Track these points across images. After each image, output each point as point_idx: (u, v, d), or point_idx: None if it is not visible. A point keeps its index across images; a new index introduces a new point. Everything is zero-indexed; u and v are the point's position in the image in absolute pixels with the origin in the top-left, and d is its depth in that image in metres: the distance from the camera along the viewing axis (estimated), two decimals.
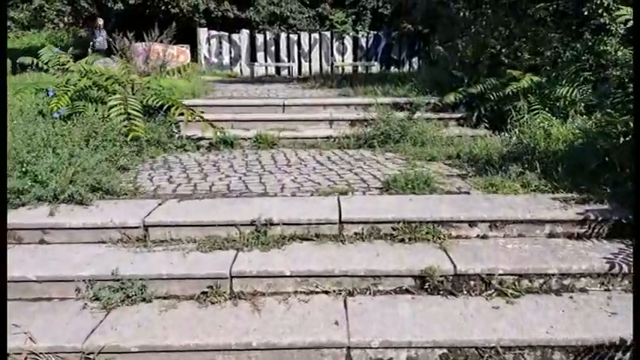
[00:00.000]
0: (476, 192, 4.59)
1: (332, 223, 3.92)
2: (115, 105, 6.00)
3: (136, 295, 3.33)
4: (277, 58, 19.10)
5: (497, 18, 7.36)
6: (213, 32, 18.60)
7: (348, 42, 19.16)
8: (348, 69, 19.11)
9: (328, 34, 19.04)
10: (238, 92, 9.93)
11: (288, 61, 18.98)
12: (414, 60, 19.06)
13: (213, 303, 3.34)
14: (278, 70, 19.18)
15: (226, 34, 18.67)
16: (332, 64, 19.01)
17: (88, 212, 4.11)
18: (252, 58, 18.90)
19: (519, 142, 5.84)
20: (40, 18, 15.86)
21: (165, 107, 6.63)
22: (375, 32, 19.18)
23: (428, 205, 4.17)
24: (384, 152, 6.34)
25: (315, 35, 19.04)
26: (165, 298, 3.41)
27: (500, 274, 3.47)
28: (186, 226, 3.92)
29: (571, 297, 3.41)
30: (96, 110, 6.40)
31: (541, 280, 3.50)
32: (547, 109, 6.51)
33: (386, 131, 6.59)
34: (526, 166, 4.92)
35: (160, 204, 4.30)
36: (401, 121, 6.77)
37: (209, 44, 18.55)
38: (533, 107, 6.50)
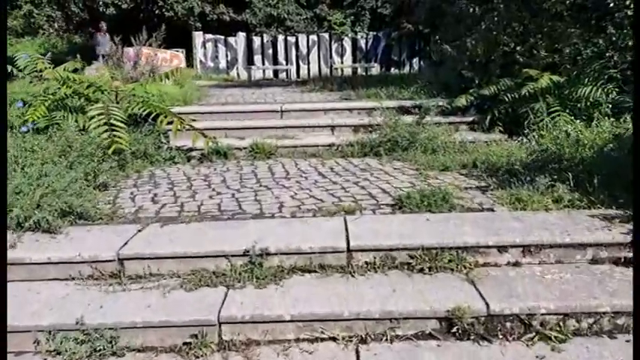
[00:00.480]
0: (501, 208, 3.99)
1: (339, 252, 3.32)
2: (96, 115, 5.41)
3: (104, 348, 2.72)
4: (275, 61, 18.51)
5: (510, 13, 6.77)
6: (209, 36, 18.01)
7: (347, 43, 18.58)
8: (348, 71, 18.51)
9: (326, 35, 18.46)
10: (234, 97, 9.34)
11: (286, 64, 18.39)
12: (415, 61, 18.46)
13: (197, 357, 2.74)
14: (276, 73, 18.58)
15: (222, 37, 18.09)
16: (331, 66, 18.42)
17: (55, 243, 3.50)
18: (249, 62, 18.31)
19: (541, 148, 5.25)
20: (31, 24, 15.23)
21: (152, 116, 6.02)
22: (375, 33, 18.59)
23: (448, 227, 3.56)
24: (391, 161, 5.74)
25: (314, 37, 18.46)
26: (140, 350, 2.80)
27: (542, 314, 2.86)
28: (169, 258, 3.32)
29: (628, 341, 2.81)
30: (76, 121, 5.82)
31: (590, 320, 2.89)
32: (568, 110, 5.93)
33: (393, 138, 5.98)
34: (555, 176, 4.32)
35: (139, 230, 3.70)
36: (409, 127, 6.17)
37: (205, 48, 17.97)
38: (553, 109, 5.92)
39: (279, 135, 6.58)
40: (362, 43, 18.67)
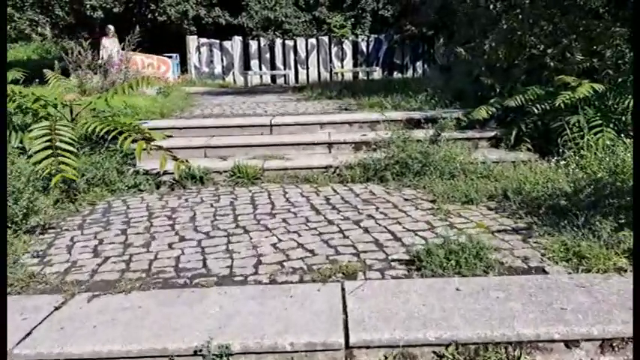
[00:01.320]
0: (555, 268, 2.88)
1: (333, 350, 2.23)
2: (40, 136, 4.32)
3: None
4: (272, 66, 17.42)
5: (537, 10, 5.66)
6: (204, 40, 16.93)
7: (348, 47, 17.48)
8: (348, 75, 17.41)
9: (326, 39, 17.36)
10: (221, 107, 8.25)
11: (284, 69, 17.29)
12: (419, 64, 17.37)
13: None
14: (274, 78, 17.50)
15: (217, 41, 17.00)
16: (331, 70, 17.32)
17: None
18: (246, 67, 17.22)
19: (588, 174, 4.16)
20: (14, 29, 14.16)
21: (113, 134, 4.93)
22: (376, 36, 17.48)
23: (489, 303, 2.47)
24: (401, 188, 4.64)
25: (312, 41, 17.37)
26: None
27: None
28: None
29: None
30: (21, 142, 4.74)
31: None
32: (612, 125, 4.83)
33: (402, 160, 4.88)
34: (619, 218, 3.22)
35: (57, 307, 2.61)
36: (420, 145, 5.07)
37: (199, 53, 16.88)
38: (594, 123, 4.82)
39: (268, 154, 5.50)
40: (363, 46, 17.57)
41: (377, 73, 16.98)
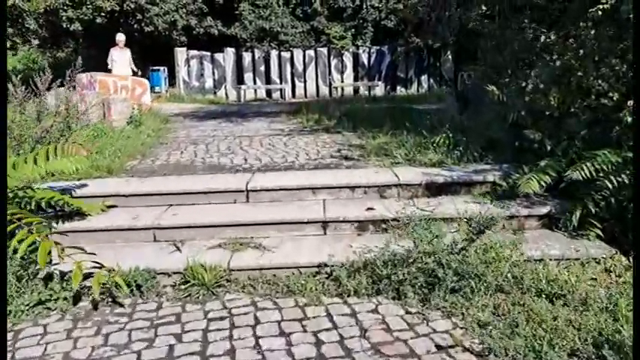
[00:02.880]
0: None
1: None
2: None
3: None
4: (268, 79, 15.79)
5: (604, 42, 4.03)
6: (193, 52, 15.29)
7: (348, 59, 15.84)
8: (349, 90, 15.79)
9: (325, 50, 15.72)
10: (197, 145, 6.61)
11: (281, 83, 15.67)
12: (424, 78, 15.73)
13: None
14: (269, 92, 15.87)
15: (208, 53, 15.36)
16: (330, 84, 15.69)
17: None
18: (239, 80, 15.59)
19: None
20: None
21: (11, 227, 3.30)
22: (378, 47, 15.83)
23: None
24: (427, 314, 3.02)
25: (310, 52, 15.73)
26: None
27: None
28: None
29: None
30: None
31: None
32: None
33: (427, 266, 3.25)
34: None
35: None
36: (453, 235, 3.46)
37: (189, 66, 15.25)
38: None
39: (239, 239, 3.88)
40: (364, 58, 15.92)
41: (379, 88, 15.37)
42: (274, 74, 15.70)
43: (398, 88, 15.62)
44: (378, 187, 4.43)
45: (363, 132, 7.15)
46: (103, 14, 14.26)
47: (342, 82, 15.80)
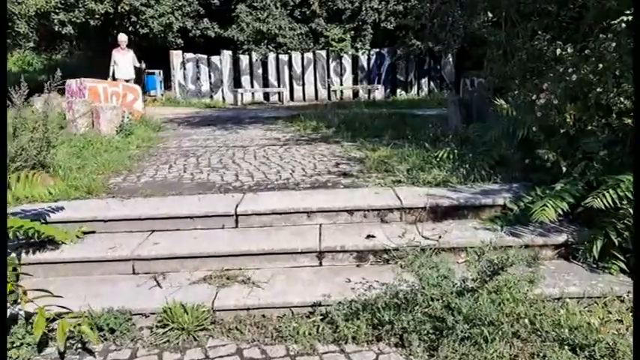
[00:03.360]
0: None
1: None
2: None
3: None
4: (265, 83, 15.41)
5: (624, 56, 3.64)
6: (189, 55, 14.90)
7: (347, 62, 15.47)
8: (348, 93, 15.43)
9: (324, 53, 15.35)
10: (188, 158, 6.23)
11: (278, 86, 15.29)
12: (424, 81, 15.35)
13: None
14: (267, 96, 15.50)
15: (204, 56, 14.97)
16: (329, 87, 15.31)
17: None
18: (236, 84, 15.21)
19: None
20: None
21: None
22: (378, 50, 15.46)
23: None
24: None
25: (309, 55, 15.36)
26: None
27: None
28: None
29: None
30: None
31: None
32: None
33: (434, 312, 2.86)
34: None
35: None
36: (463, 268, 3.08)
37: (184, 69, 14.85)
38: None
39: (226, 271, 3.51)
40: (363, 61, 15.55)
41: (379, 92, 14.99)
42: (272, 77, 15.32)
43: (398, 91, 15.25)
44: (379, 211, 4.04)
45: (363, 142, 6.77)
46: (97, 16, 13.88)
47: (341, 85, 15.43)
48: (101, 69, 17.13)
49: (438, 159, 5.33)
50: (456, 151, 5.28)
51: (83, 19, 12.55)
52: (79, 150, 6.51)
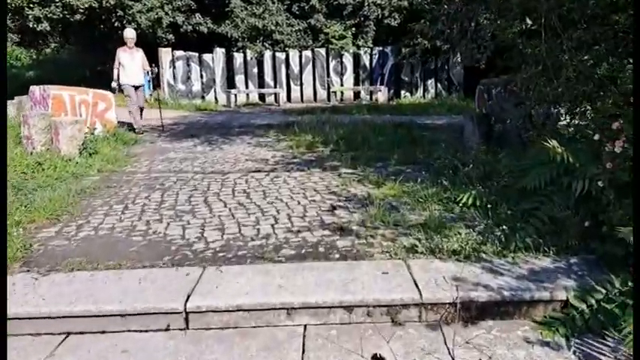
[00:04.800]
0: None
1: None
2: None
3: None
4: (261, 83, 14.07)
5: None
6: (179, 53, 13.55)
7: (348, 60, 14.10)
8: (348, 94, 14.09)
9: (323, 51, 13.98)
10: (150, 193, 4.96)
11: (275, 86, 13.95)
12: (430, 82, 13.99)
13: None
14: (262, 97, 14.17)
15: (195, 54, 13.62)
16: (328, 88, 13.97)
17: None
18: (230, 84, 13.87)
19: None
20: None
21: None
22: (381, 48, 14.09)
23: None
24: None
25: (307, 53, 13.99)
26: None
27: None
28: None
29: None
30: None
31: None
32: None
33: None
34: None
35: None
36: None
37: (174, 67, 13.52)
38: None
39: None
40: (365, 60, 14.18)
41: (382, 93, 13.64)
42: (268, 77, 13.98)
43: (402, 93, 13.90)
44: (389, 308, 2.78)
45: (365, 170, 5.52)
46: (81, 11, 12.52)
47: (342, 85, 14.08)
48: (90, 64, 15.81)
49: (461, 205, 4.09)
50: (484, 197, 4.00)
51: (60, 15, 11.19)
52: (22, 179, 5.26)
